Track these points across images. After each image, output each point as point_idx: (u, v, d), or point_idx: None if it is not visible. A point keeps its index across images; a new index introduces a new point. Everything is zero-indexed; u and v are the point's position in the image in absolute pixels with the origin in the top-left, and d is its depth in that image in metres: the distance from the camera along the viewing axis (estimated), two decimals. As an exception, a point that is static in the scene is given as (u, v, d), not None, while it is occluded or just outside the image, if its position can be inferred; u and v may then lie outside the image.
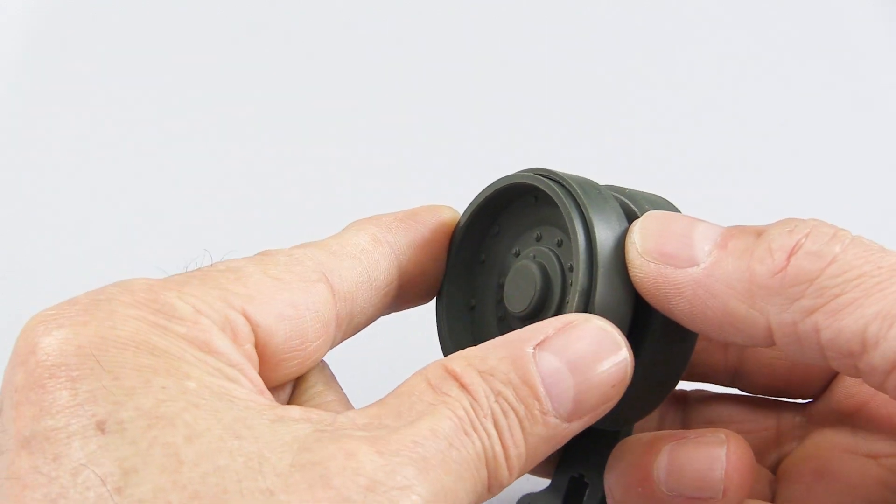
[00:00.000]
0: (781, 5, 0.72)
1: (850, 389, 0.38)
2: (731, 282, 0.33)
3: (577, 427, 0.32)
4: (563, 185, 0.36)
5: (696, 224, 0.34)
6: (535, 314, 0.37)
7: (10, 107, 0.66)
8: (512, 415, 0.31)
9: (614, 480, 0.37)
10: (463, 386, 0.31)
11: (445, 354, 0.38)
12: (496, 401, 0.31)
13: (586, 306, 0.34)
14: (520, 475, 0.32)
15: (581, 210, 0.35)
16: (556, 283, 0.36)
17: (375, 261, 0.36)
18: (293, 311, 0.33)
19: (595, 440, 0.38)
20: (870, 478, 0.37)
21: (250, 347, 0.32)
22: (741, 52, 0.70)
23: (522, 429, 0.31)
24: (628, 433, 0.38)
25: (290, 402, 0.35)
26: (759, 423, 0.40)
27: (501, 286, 0.39)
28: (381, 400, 0.31)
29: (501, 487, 0.31)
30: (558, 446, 0.32)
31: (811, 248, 0.32)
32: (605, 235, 0.35)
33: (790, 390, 0.40)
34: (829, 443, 0.38)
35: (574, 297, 0.34)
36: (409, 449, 0.29)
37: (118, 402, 0.29)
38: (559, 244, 0.37)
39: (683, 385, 0.39)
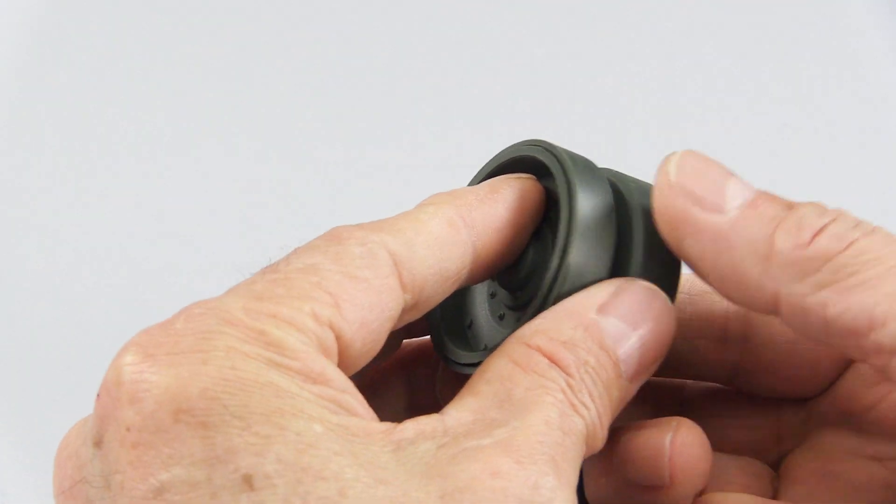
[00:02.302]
0: (781, 5, 0.72)
1: (855, 391, 0.38)
2: (753, 241, 0.33)
3: (635, 388, 0.33)
4: (553, 153, 0.36)
5: (732, 177, 0.34)
6: (525, 284, 0.37)
7: (16, 108, 0.66)
8: (600, 383, 0.31)
9: (586, 472, 0.37)
10: (554, 361, 0.31)
11: (433, 336, 0.38)
12: (586, 371, 0.31)
13: (560, 266, 0.34)
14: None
15: (566, 173, 0.35)
16: (549, 252, 0.37)
17: (449, 251, 0.34)
18: (372, 315, 0.32)
19: None
20: (874, 480, 0.36)
21: (337, 361, 0.31)
22: (741, 51, 0.70)
23: (609, 396, 0.32)
24: None
25: None
26: (758, 420, 0.40)
27: None
28: (469, 387, 0.31)
29: (592, 453, 0.32)
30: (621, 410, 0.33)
31: (835, 231, 0.32)
32: (586, 197, 0.35)
33: (792, 391, 0.40)
34: (833, 443, 0.38)
35: (554, 258, 0.34)
36: (539, 451, 0.29)
37: (259, 453, 0.27)
38: (551, 216, 0.37)
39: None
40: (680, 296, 0.38)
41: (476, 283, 0.38)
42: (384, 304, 0.32)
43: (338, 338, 0.31)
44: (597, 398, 0.31)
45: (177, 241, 0.60)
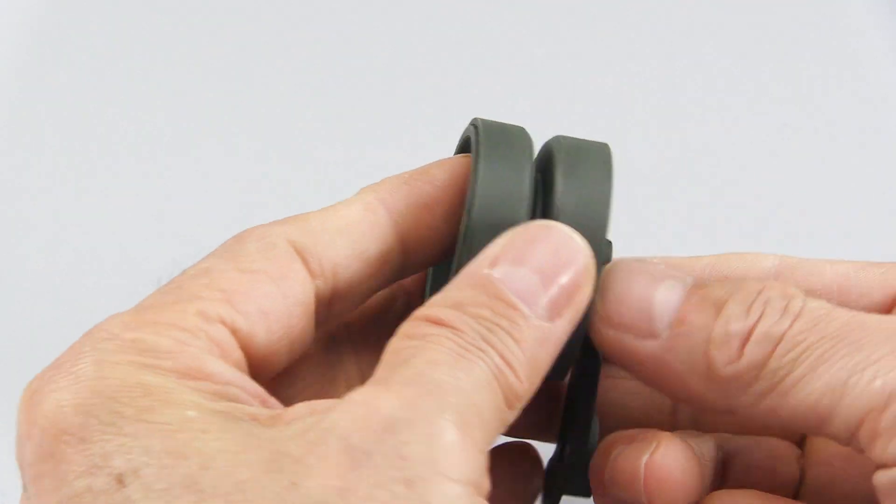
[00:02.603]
0: (781, 5, 0.72)
1: None
2: (690, 363, 0.33)
3: (564, 325, 0.32)
4: (475, 126, 0.36)
5: (656, 288, 0.34)
6: None
7: (16, 108, 0.66)
8: (498, 330, 0.31)
9: (591, 484, 0.37)
10: (439, 323, 0.31)
11: None
12: (478, 324, 0.30)
13: (463, 236, 0.34)
14: (534, 386, 0.32)
15: (477, 142, 0.35)
16: None
17: (364, 233, 0.35)
18: (271, 303, 0.32)
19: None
20: None
21: (239, 354, 0.32)
22: (740, 51, 0.70)
23: (514, 339, 0.31)
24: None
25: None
26: None
27: None
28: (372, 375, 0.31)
29: (521, 400, 0.31)
30: (556, 351, 0.32)
31: (761, 332, 0.32)
32: (490, 162, 0.34)
33: None
34: None
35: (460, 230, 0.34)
36: (416, 382, 0.29)
37: (129, 451, 0.28)
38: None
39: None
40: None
41: (423, 267, 0.37)
42: (286, 290, 0.33)
43: (235, 331, 0.31)
44: (498, 343, 0.30)
45: (177, 241, 0.59)
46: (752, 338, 0.32)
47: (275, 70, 0.68)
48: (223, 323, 0.31)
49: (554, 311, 0.32)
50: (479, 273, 0.32)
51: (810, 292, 0.34)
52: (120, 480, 0.28)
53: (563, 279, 0.32)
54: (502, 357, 0.30)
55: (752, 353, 0.32)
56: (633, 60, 0.69)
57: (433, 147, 0.64)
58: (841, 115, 0.66)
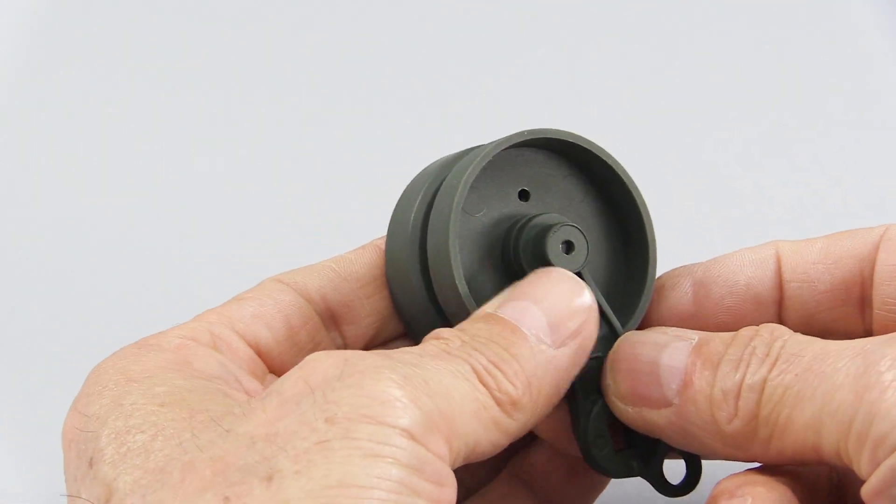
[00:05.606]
0: (781, 5, 0.72)
1: None
2: (703, 425, 0.35)
3: (568, 353, 0.34)
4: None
5: (660, 355, 0.36)
6: None
7: (15, 107, 0.66)
8: (492, 344, 0.33)
9: None
10: (436, 338, 0.34)
11: None
12: (471, 338, 0.33)
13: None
14: (538, 403, 0.34)
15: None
16: None
17: (350, 260, 0.40)
18: (263, 309, 0.38)
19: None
20: None
21: (246, 352, 0.37)
22: (740, 50, 0.70)
23: (511, 354, 0.33)
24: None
25: None
26: None
27: None
28: None
29: (519, 408, 0.33)
30: (563, 376, 0.35)
31: (747, 384, 0.34)
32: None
33: None
34: None
35: None
36: (369, 354, 0.31)
37: (98, 435, 0.32)
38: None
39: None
40: (817, 267, 0.39)
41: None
42: (278, 299, 0.39)
43: (240, 335, 0.37)
44: (489, 352, 0.33)
45: (178, 241, 0.60)
46: (741, 392, 0.34)
47: (276, 70, 0.68)
48: (232, 329, 0.37)
49: (559, 338, 0.34)
50: (482, 311, 0.35)
51: None
52: (90, 464, 0.32)
53: (567, 306, 0.35)
54: (491, 361, 0.33)
55: (745, 406, 0.34)
56: (631, 61, 0.69)
57: (431, 147, 0.64)
58: (841, 114, 0.66)
